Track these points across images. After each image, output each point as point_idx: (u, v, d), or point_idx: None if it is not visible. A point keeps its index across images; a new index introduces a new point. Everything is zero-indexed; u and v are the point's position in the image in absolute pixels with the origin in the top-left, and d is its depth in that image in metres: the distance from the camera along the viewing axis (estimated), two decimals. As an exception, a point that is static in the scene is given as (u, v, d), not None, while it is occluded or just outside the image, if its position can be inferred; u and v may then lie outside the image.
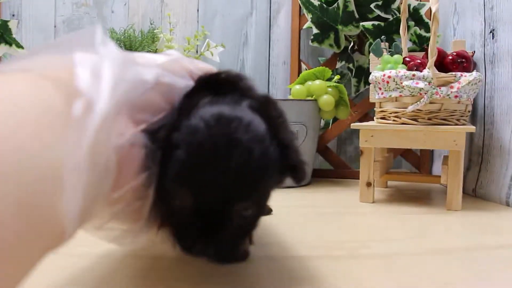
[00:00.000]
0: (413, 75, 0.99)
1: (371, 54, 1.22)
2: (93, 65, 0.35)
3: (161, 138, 0.42)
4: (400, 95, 1.01)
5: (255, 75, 1.55)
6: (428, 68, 0.98)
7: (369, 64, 1.37)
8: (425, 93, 0.97)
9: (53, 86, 0.32)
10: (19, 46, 1.37)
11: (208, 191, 0.43)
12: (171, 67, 0.45)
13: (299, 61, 1.47)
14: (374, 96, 1.08)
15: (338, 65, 1.43)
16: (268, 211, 0.75)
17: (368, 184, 1.06)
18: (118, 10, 1.57)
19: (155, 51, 1.43)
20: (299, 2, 1.39)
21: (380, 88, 1.05)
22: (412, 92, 0.99)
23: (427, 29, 1.31)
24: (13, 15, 1.57)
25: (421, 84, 0.97)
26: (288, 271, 0.59)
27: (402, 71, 1.01)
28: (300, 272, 0.59)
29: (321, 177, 1.38)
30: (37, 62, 0.35)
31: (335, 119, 1.42)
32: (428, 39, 1.31)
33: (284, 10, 1.53)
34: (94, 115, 0.32)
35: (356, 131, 1.53)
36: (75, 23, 1.58)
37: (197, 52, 1.48)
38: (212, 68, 0.51)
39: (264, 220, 0.58)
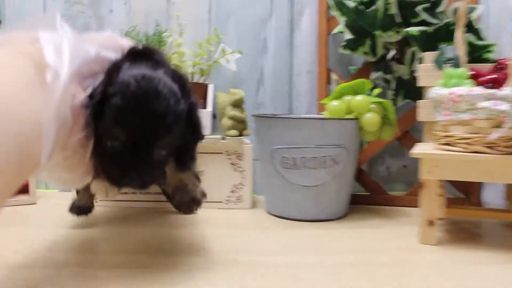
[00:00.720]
0: (492, 94, 0.82)
1: (421, 65, 1.05)
2: (55, 42, 0.51)
3: (99, 92, 0.58)
4: (473, 118, 0.84)
5: (276, 85, 1.36)
6: (511, 86, 0.81)
7: (410, 75, 1.20)
8: (508, 117, 0.80)
9: (26, 58, 0.48)
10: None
11: (137, 130, 0.60)
12: (107, 43, 0.64)
13: (328, 70, 1.29)
14: (437, 117, 0.90)
15: (373, 76, 1.25)
16: (201, 197, 0.81)
17: (430, 223, 0.89)
18: (117, 9, 1.37)
19: (162, 58, 1.23)
20: (330, 3, 1.21)
21: (446, 109, 0.87)
22: (489, 115, 0.82)
23: (479, 37, 1.14)
24: (-5, 14, 1.36)
25: (504, 106, 0.80)
26: None
27: (476, 89, 0.84)
28: None
29: (354, 204, 1.20)
30: (9, 36, 0.52)
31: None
32: (480, 48, 1.14)
33: (307, 12, 1.35)
34: (59, 81, 0.49)
35: (388, 149, 1.37)
36: (68, 24, 1.37)
37: (209, 59, 1.28)
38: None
39: None
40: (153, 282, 0.68)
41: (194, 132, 0.71)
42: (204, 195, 0.82)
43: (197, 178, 0.82)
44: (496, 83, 0.86)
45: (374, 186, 1.26)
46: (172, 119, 0.62)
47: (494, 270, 0.76)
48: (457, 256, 0.83)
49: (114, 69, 0.61)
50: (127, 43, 0.67)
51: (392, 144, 1.30)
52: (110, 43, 0.64)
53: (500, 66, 0.92)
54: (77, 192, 0.96)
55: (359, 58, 1.30)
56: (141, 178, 0.63)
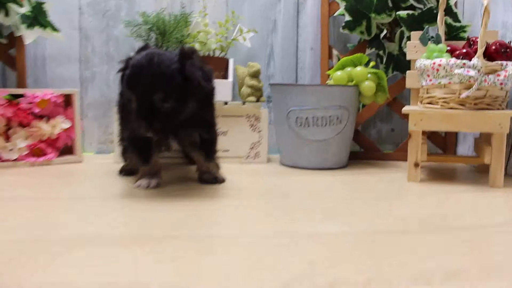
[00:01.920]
0: (464, 63, 1.06)
1: (409, 42, 1.29)
2: None
3: (121, 68, 0.96)
4: (450, 82, 1.08)
5: (284, 59, 1.59)
6: (478, 58, 1.05)
7: (398, 51, 1.44)
8: (475, 81, 1.05)
9: None
10: (54, 29, 1.35)
11: (139, 89, 0.91)
12: None
13: (329, 47, 1.52)
14: (421, 82, 1.15)
15: (367, 52, 1.48)
16: (221, 180, 1.11)
17: (416, 165, 1.14)
18: (146, -7, 1.56)
19: (188, 35, 1.44)
20: (333, -11, 1.44)
21: (428, 75, 1.12)
22: (462, 80, 1.06)
23: (456, 19, 1.38)
24: (36, -4, 1.53)
25: (472, 72, 1.05)
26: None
27: (453, 60, 1.08)
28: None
29: (351, 159, 1.44)
30: None
31: (363, 104, 1.48)
32: (457, 28, 1.38)
33: (311, -3, 1.57)
34: None
35: (379, 115, 1.61)
36: (101, 5, 1.56)
37: (227, 37, 1.50)
38: None
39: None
40: (202, 213, 0.91)
41: (205, 98, 1.02)
42: (223, 178, 1.12)
43: (218, 166, 1.13)
44: (468, 56, 1.11)
45: (368, 145, 1.51)
46: (165, 77, 0.90)
47: (464, 196, 1.02)
48: (435, 188, 1.08)
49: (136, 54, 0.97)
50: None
51: (382, 110, 1.55)
52: None
53: (471, 43, 1.16)
54: (125, 158, 1.21)
55: (355, 36, 1.52)
56: (150, 124, 0.91)
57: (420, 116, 1.11)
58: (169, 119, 0.93)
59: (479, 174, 1.26)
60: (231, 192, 1.01)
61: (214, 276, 0.55)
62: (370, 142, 1.51)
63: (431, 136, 1.50)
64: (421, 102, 1.17)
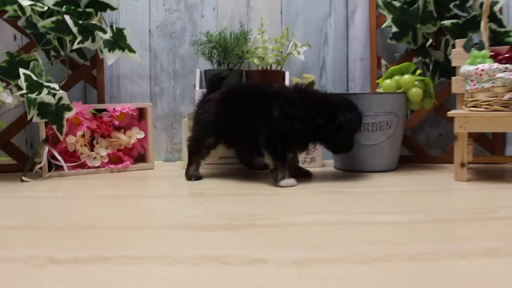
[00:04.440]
0: (506, 67, 1.13)
1: (454, 50, 1.37)
2: None
3: None
4: (493, 86, 1.16)
5: (335, 71, 1.70)
6: (520, 62, 1.12)
7: (444, 58, 1.51)
8: (518, 84, 1.12)
9: None
10: (131, 50, 1.54)
11: None
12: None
13: (378, 57, 1.61)
14: (466, 87, 1.22)
15: (414, 60, 1.57)
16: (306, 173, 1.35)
17: (462, 165, 1.21)
18: (207, 14, 1.73)
19: (247, 51, 1.59)
20: (380, 3, 1.54)
21: (472, 80, 1.19)
22: (504, 83, 1.13)
23: (500, 25, 1.45)
24: (112, 23, 1.74)
25: (514, 76, 1.12)
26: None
27: (495, 64, 1.15)
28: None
29: (401, 162, 1.53)
30: None
31: (411, 110, 1.56)
32: (502, 34, 1.45)
33: (359, 11, 1.68)
34: None
35: (427, 120, 1.68)
36: (168, 28, 1.74)
37: (282, 52, 1.63)
38: None
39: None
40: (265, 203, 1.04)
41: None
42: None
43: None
44: (511, 60, 1.18)
45: (417, 149, 1.59)
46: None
47: (508, 191, 1.09)
48: (480, 186, 1.15)
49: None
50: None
51: (430, 115, 1.62)
52: None
53: (513, 48, 1.23)
54: (191, 165, 1.35)
55: (402, 46, 1.61)
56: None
57: (465, 118, 1.19)
58: None
59: (527, 173, 1.31)
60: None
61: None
62: (419, 145, 1.59)
63: (479, 139, 1.56)
64: (466, 106, 1.24)
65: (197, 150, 1.34)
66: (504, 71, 1.13)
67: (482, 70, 1.16)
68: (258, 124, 1.22)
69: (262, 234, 0.76)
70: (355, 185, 1.20)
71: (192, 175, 1.34)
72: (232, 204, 1.01)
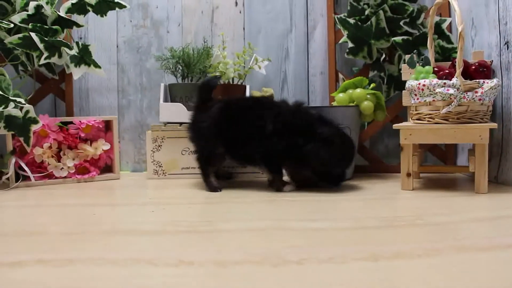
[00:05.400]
0: (444, 83, 1.20)
1: (403, 65, 1.44)
2: None
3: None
4: (433, 100, 1.23)
5: (296, 84, 1.77)
6: (456, 77, 1.19)
7: (398, 73, 1.59)
8: (455, 98, 1.19)
9: None
10: (96, 66, 1.59)
11: None
12: None
13: (336, 71, 1.68)
14: (410, 101, 1.29)
15: (370, 74, 1.64)
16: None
17: (408, 175, 1.28)
18: (172, 30, 1.79)
19: (210, 66, 1.64)
20: (337, 21, 1.61)
21: (415, 95, 1.26)
22: (443, 97, 1.20)
23: (449, 41, 1.53)
24: (80, 38, 1.79)
25: (451, 91, 1.19)
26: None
27: (435, 80, 1.23)
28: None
29: (358, 172, 1.59)
30: None
31: (369, 122, 1.63)
32: (449, 50, 1.53)
33: (319, 26, 1.75)
34: None
35: (386, 131, 1.75)
36: (135, 43, 1.80)
37: (244, 66, 1.69)
38: None
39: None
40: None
41: None
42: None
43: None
44: (450, 76, 1.25)
45: (373, 158, 1.65)
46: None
47: (454, 199, 1.15)
48: (423, 194, 1.22)
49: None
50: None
51: (389, 126, 1.69)
52: None
53: (454, 64, 1.31)
54: (208, 176, 1.36)
55: (359, 61, 1.69)
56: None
57: (409, 131, 1.25)
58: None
59: (473, 182, 1.38)
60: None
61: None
62: (375, 156, 1.66)
63: (433, 149, 1.63)
64: (411, 118, 1.31)
65: (208, 160, 1.37)
66: (442, 86, 1.20)
67: (424, 85, 1.23)
68: (254, 139, 1.29)
69: (194, 239, 0.83)
70: (300, 195, 1.25)
71: (217, 186, 1.35)
72: (179, 212, 1.07)
